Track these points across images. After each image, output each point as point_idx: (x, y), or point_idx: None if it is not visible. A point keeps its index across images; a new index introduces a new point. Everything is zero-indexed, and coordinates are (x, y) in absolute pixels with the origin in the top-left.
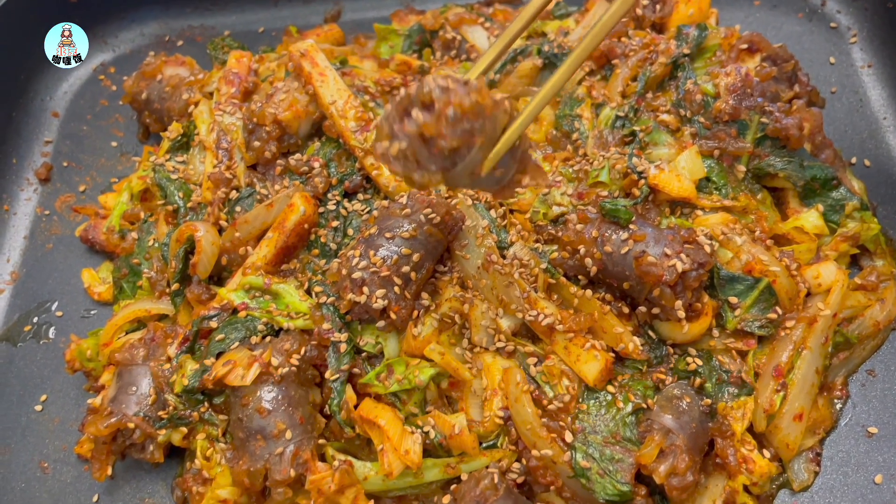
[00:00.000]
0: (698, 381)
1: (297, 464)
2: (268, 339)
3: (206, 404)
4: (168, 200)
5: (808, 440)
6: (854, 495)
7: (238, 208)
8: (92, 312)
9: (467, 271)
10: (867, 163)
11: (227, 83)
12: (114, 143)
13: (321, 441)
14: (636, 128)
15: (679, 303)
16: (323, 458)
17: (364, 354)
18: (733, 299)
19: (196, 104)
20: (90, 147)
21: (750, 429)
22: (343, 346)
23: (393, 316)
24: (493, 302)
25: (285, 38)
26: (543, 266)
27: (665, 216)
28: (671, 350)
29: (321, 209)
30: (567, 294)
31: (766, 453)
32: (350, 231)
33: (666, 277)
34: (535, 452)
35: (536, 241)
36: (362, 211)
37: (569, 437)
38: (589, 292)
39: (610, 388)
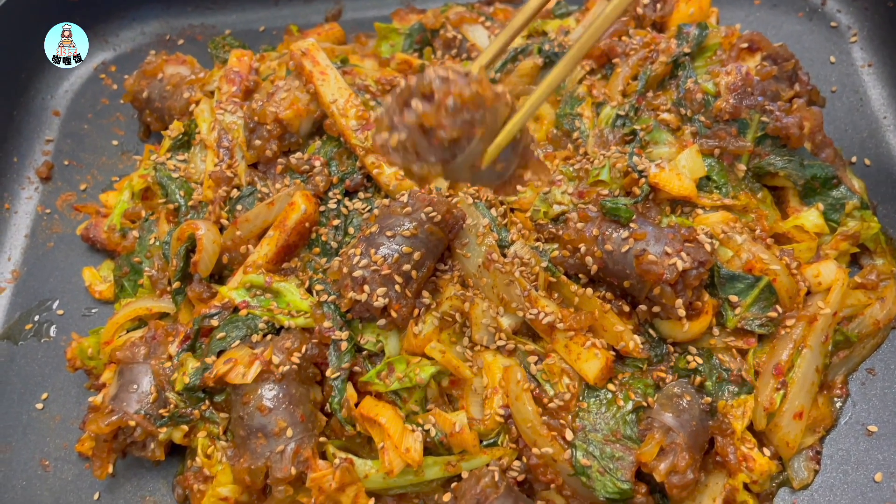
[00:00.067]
0: (698, 379)
1: (298, 462)
2: (269, 337)
3: (207, 402)
4: (169, 199)
5: (808, 438)
6: (854, 493)
7: (239, 207)
8: (93, 311)
9: (468, 270)
10: (867, 162)
11: (228, 82)
12: (115, 142)
13: (322, 439)
14: (637, 126)
15: (679, 301)
16: (324, 456)
17: (365, 353)
18: (734, 298)
19: (197, 103)
20: (91, 146)
21: (750, 427)
22: (344, 345)
23: (394, 314)
24: (494, 300)
25: (286, 37)
26: (544, 264)
27: (665, 215)
28: (671, 348)
29: (322, 208)
30: (567, 292)
31: (767, 451)
32: (351, 230)
33: (666, 276)
34: (535, 450)
35: (537, 239)
36: (363, 209)
37: (569, 435)
38: (589, 291)
39: (610, 386)
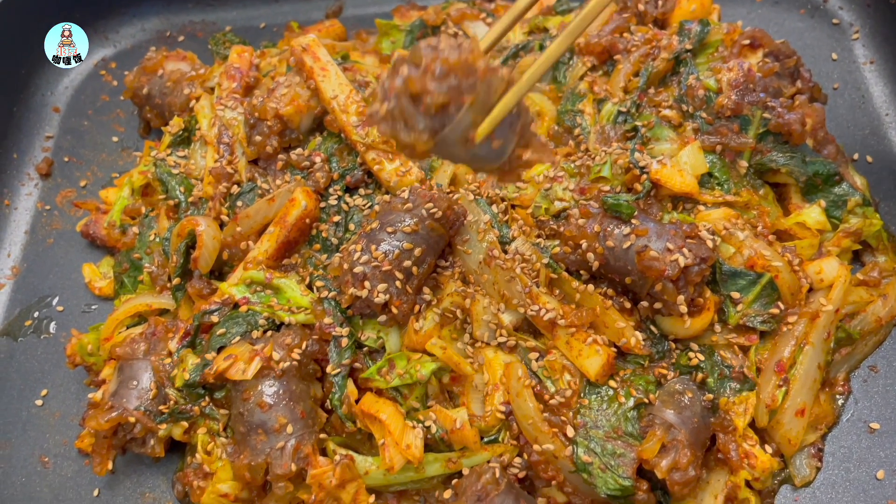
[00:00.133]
0: (700, 376)
1: (299, 458)
2: (269, 333)
3: (206, 399)
4: (169, 195)
5: (809, 436)
6: (856, 491)
7: (239, 203)
8: (93, 307)
9: (469, 266)
10: (869, 159)
11: (229, 78)
12: (115, 139)
13: (322, 436)
14: (638, 123)
15: (681, 298)
16: (324, 453)
17: (365, 349)
18: (735, 294)
19: (197, 99)
20: (91, 142)
21: (752, 424)
22: (344, 341)
23: (394, 310)
24: (495, 297)
25: (287, 34)
26: (545, 261)
27: (667, 211)
28: (673, 345)
29: (322, 204)
30: (569, 289)
31: (768, 448)
32: (351, 226)
33: (668, 272)
34: (536, 447)
35: (538, 236)
36: (364, 206)
37: (570, 431)
38: (591, 287)
39: (612, 382)
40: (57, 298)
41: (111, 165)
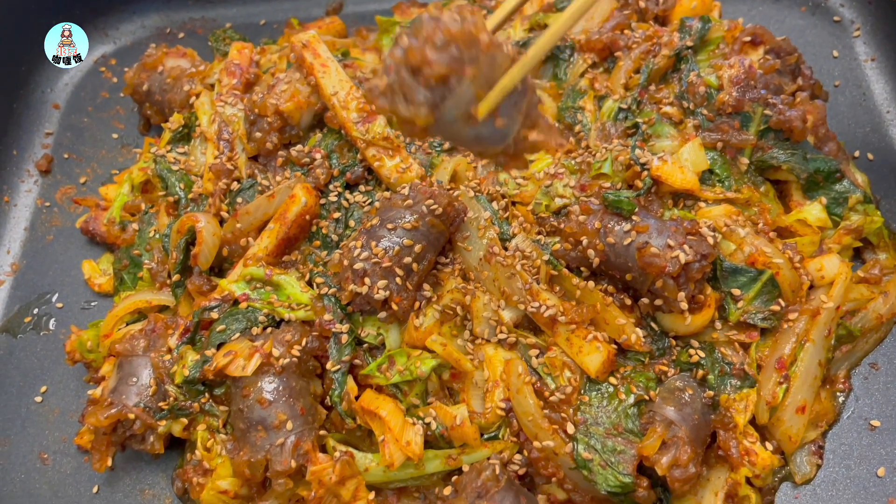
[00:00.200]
0: (701, 372)
1: (298, 455)
2: (269, 330)
3: (206, 395)
4: (169, 191)
5: (810, 433)
6: (856, 488)
7: (239, 199)
8: (92, 304)
9: (469, 263)
10: (870, 156)
11: (229, 74)
12: (115, 135)
13: (322, 432)
14: (639, 120)
15: (682, 294)
16: (324, 450)
17: (365, 345)
18: (736, 291)
19: (197, 95)
20: (91, 139)
21: (752, 421)
22: (344, 338)
23: (394, 307)
24: (495, 293)
25: (287, 31)
26: (546, 258)
27: (668, 208)
28: (673, 342)
29: (322, 200)
30: (569, 285)
31: (769, 446)
32: (352, 222)
33: (669, 269)
34: (536, 444)
35: (539, 232)
36: (364, 202)
37: (570, 428)
38: (591, 284)
39: (612, 379)
40: (56, 295)
41: (111, 162)
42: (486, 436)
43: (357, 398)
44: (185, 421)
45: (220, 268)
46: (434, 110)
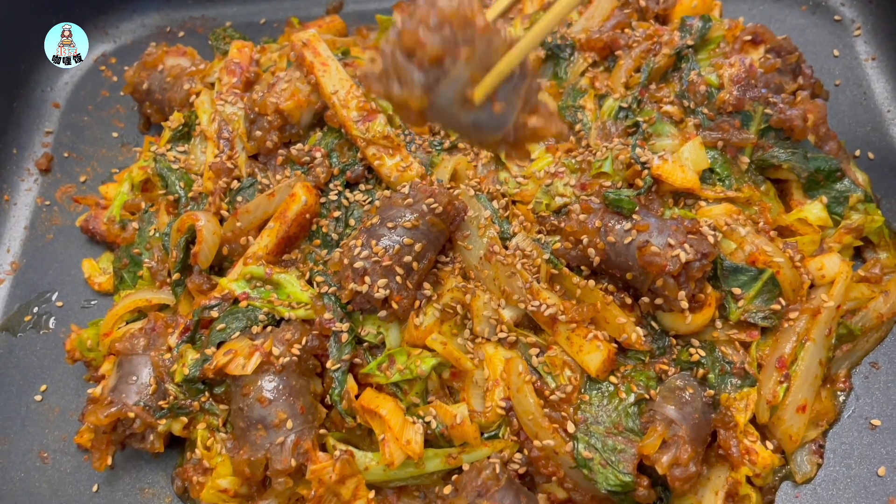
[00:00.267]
0: (701, 371)
1: (298, 453)
2: (269, 328)
3: (206, 394)
4: (169, 190)
5: (811, 432)
6: (857, 487)
7: (239, 198)
8: (92, 303)
9: (469, 262)
10: (871, 155)
11: (229, 73)
12: (115, 134)
13: (322, 431)
14: (639, 119)
15: (682, 293)
16: (324, 448)
17: (365, 344)
18: (736, 290)
19: (197, 94)
20: (91, 138)
21: (753, 420)
22: (344, 336)
23: (395, 306)
24: (495, 292)
25: (287, 29)
26: (546, 256)
27: (668, 207)
28: (674, 341)
29: (323, 199)
30: (570, 284)
31: (769, 445)
32: (352, 221)
33: (669, 268)
34: (536, 443)
35: (539, 231)
36: (364, 201)
37: (571, 427)
38: (592, 283)
39: (612, 378)
40: (56, 294)
41: (111, 161)
42: (486, 435)
43: (357, 397)
44: (185, 420)
45: (220, 266)
46: (429, 93)
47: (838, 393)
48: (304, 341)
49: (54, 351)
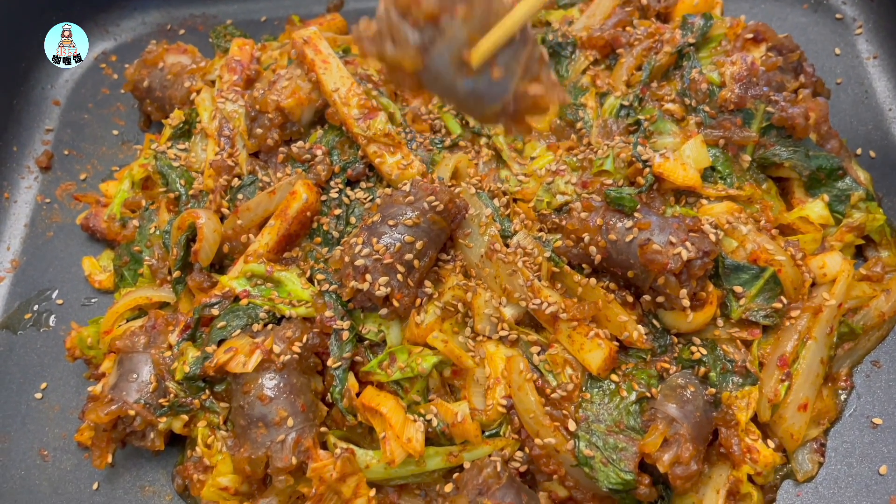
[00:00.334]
0: (702, 370)
1: (299, 451)
2: (269, 326)
3: (207, 392)
4: (169, 188)
5: (812, 431)
6: (858, 486)
7: (240, 196)
8: (92, 300)
9: (470, 260)
10: (873, 154)
11: (230, 70)
12: (115, 132)
13: (323, 429)
14: (641, 117)
15: (684, 291)
16: (325, 447)
17: (366, 342)
18: (738, 288)
19: (198, 92)
20: (91, 135)
21: (754, 419)
22: (345, 334)
23: (395, 304)
24: (497, 290)
25: (288, 27)
26: (547, 254)
27: (670, 205)
28: (675, 339)
29: (323, 197)
30: (571, 282)
31: (771, 443)
32: (352, 219)
33: (671, 266)
34: (538, 441)
35: (540, 229)
36: (365, 199)
37: (572, 425)
38: (593, 281)
39: (613, 377)
40: (57, 292)
41: (111, 158)
42: (487, 433)
43: (358, 395)
44: (185, 417)
45: (220, 264)
46: (423, 54)
47: (840, 391)
48: (304, 339)
49: (54, 349)
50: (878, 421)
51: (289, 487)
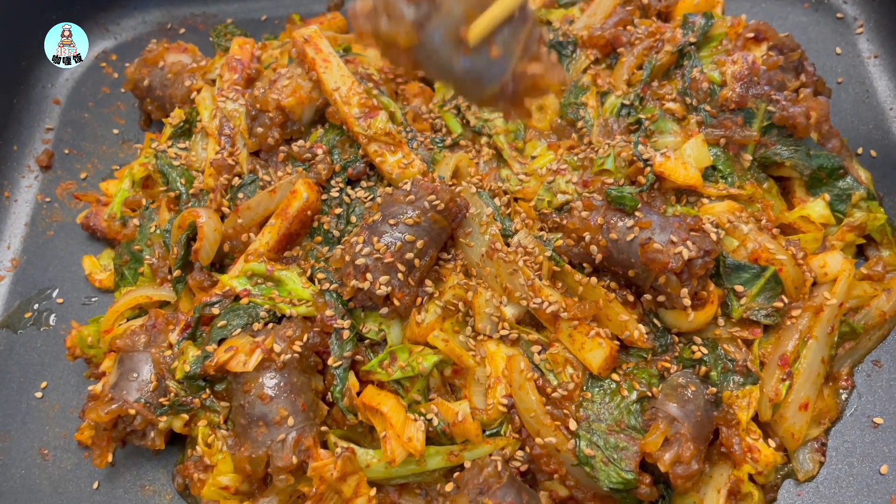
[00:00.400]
0: (703, 369)
1: (299, 451)
2: (270, 325)
3: (207, 391)
4: (170, 187)
5: (813, 430)
6: (859, 486)
7: (240, 195)
8: (93, 299)
9: (471, 259)
10: (874, 153)
11: (230, 69)
12: (115, 131)
13: (323, 428)
14: (642, 116)
15: (685, 291)
16: (325, 446)
17: (367, 342)
18: (739, 288)
19: (198, 91)
20: (91, 134)
21: (755, 418)
22: (346, 333)
23: (396, 303)
24: (497, 290)
25: (288, 26)
26: (548, 254)
27: (671, 204)
28: (676, 338)
29: (324, 196)
30: (572, 282)
31: (772, 443)
32: (353, 218)
33: (672, 265)
34: (538, 440)
35: (541, 229)
36: (365, 198)
37: (573, 425)
38: (594, 280)
39: (614, 376)
40: (57, 291)
41: (112, 157)
42: (487, 432)
43: (358, 394)
44: (185, 417)
45: (221, 263)
46: (419, 30)
47: (841, 391)
48: (305, 338)
49: (55, 348)
50: (879, 420)
51: (289, 487)
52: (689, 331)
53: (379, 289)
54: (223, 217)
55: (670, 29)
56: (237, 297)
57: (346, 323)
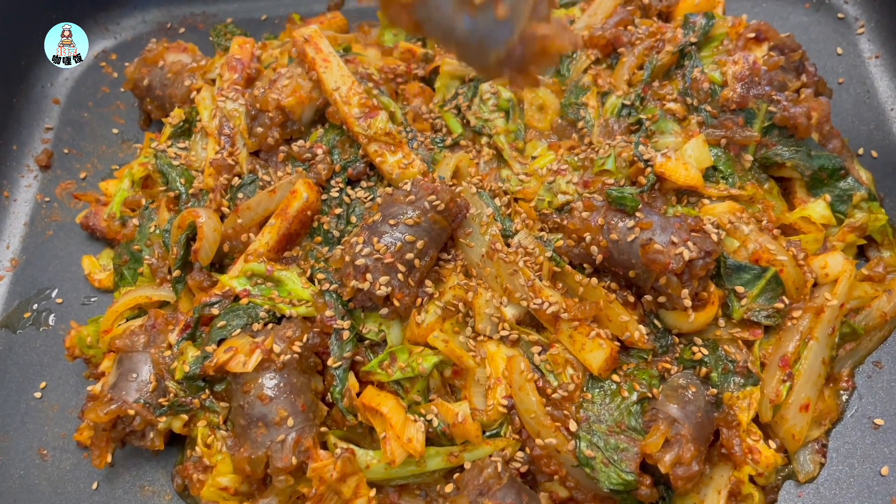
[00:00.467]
0: (704, 370)
1: (299, 451)
2: (270, 326)
3: (206, 391)
4: (170, 187)
5: (814, 431)
6: (860, 487)
7: (240, 195)
8: (92, 299)
9: (471, 259)
10: (874, 154)
11: (230, 69)
12: (115, 130)
13: (323, 429)
14: (642, 116)
15: (685, 291)
16: (325, 447)
17: (367, 342)
18: (740, 288)
19: (198, 90)
20: (91, 134)
21: (756, 419)
22: (346, 334)
23: (396, 303)
24: (498, 290)
25: (288, 26)
26: (548, 254)
27: (671, 205)
28: (677, 339)
29: (324, 196)
30: (572, 282)
31: (772, 444)
32: (353, 218)
33: (672, 265)
34: (538, 441)
35: (541, 229)
36: (365, 198)
37: (573, 426)
38: (594, 280)
39: (615, 377)
40: (56, 290)
41: (111, 157)
42: (487, 433)
43: (358, 395)
44: (185, 417)
45: (220, 263)
46: None
47: (841, 392)
48: (305, 339)
49: (54, 348)
50: (879, 422)
51: (289, 487)
52: (690, 332)
53: (379, 289)
54: (223, 217)
55: (671, 29)
56: (237, 298)
57: (346, 323)
